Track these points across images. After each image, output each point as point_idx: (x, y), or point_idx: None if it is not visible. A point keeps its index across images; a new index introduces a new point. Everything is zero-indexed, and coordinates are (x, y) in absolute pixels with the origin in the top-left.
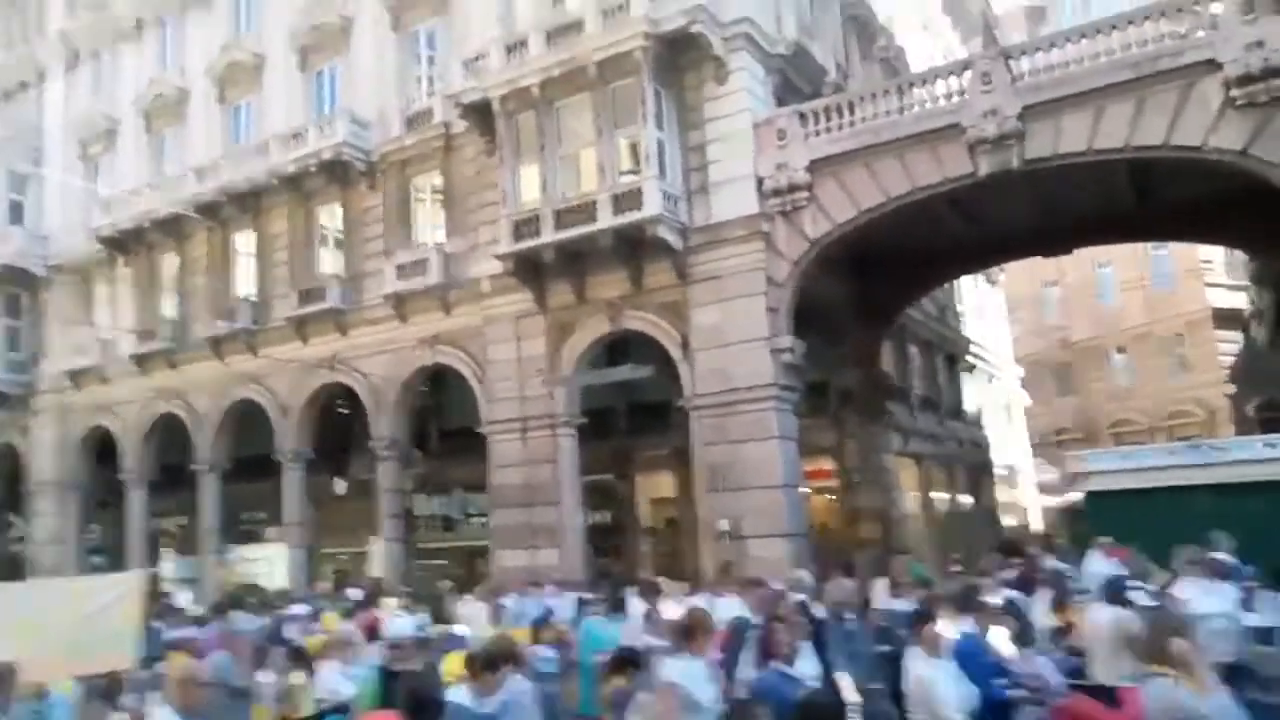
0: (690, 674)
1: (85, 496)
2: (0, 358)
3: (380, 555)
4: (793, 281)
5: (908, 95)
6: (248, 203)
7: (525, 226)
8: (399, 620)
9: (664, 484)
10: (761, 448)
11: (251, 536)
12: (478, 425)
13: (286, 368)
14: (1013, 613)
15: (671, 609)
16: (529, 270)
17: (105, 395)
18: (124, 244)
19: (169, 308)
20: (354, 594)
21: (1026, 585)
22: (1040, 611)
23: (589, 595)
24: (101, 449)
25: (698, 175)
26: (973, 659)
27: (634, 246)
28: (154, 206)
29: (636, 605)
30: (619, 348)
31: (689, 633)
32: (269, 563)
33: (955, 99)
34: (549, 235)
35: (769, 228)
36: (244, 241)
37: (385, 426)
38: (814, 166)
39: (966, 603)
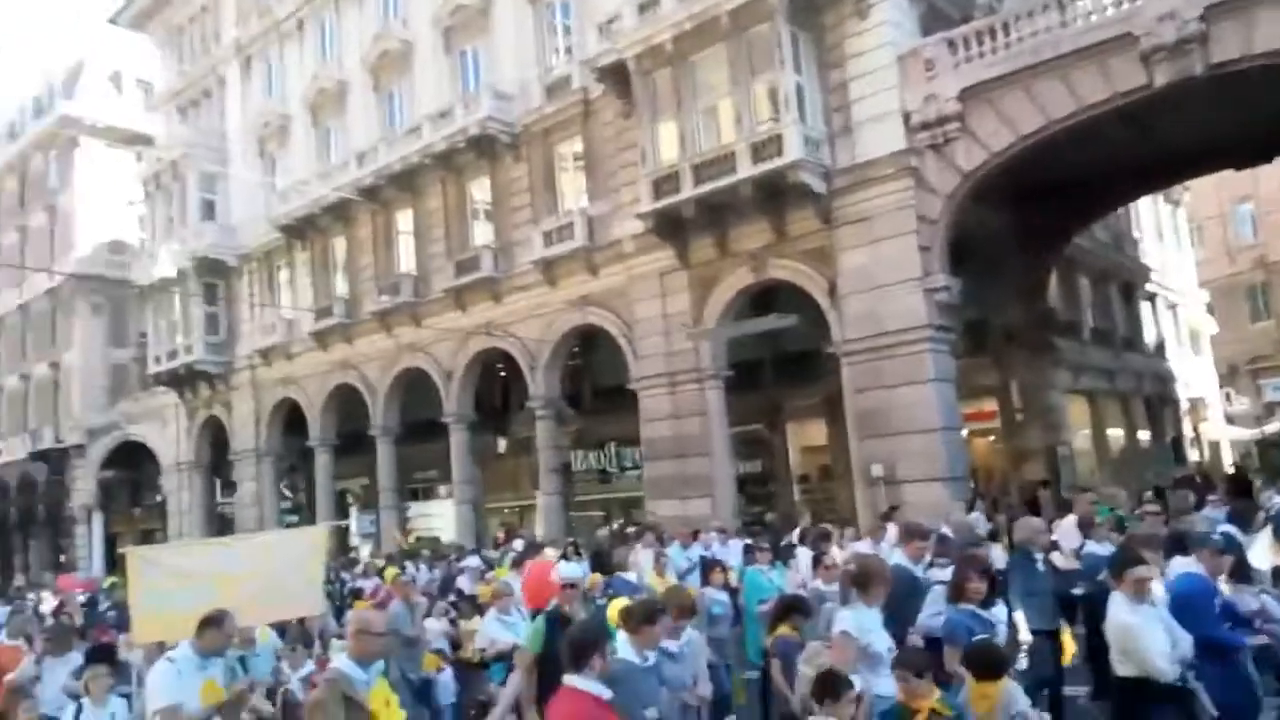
0: (865, 623)
1: (278, 462)
2: (202, 341)
3: (542, 509)
4: (946, 217)
5: (1070, 8)
6: (405, 183)
7: (665, 184)
8: (568, 565)
9: (815, 432)
10: (916, 391)
11: (424, 494)
12: (628, 382)
13: (447, 336)
14: (1231, 550)
15: (837, 555)
16: (670, 227)
17: (290, 370)
18: (299, 230)
19: (341, 286)
20: (517, 545)
21: (1241, 521)
22: (1262, 549)
23: (752, 543)
24: (290, 418)
25: (840, 116)
26: (1198, 602)
27: (775, 194)
28: (322, 194)
29: (803, 553)
30: (764, 298)
31: (863, 581)
32: (442, 518)
33: (1125, 6)
34: (688, 190)
35: (918, 163)
36: (404, 220)
37: (540, 386)
38: (965, 95)
39: (1179, 543)
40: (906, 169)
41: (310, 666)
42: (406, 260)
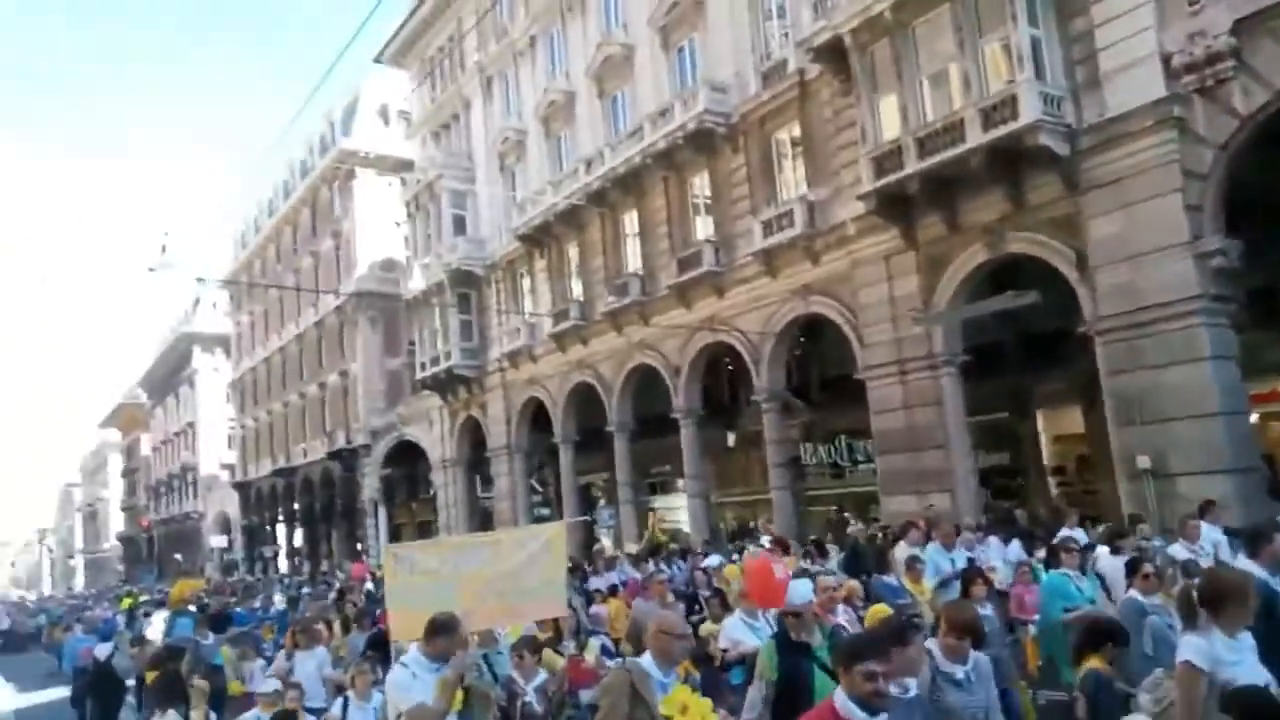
0: (1221, 653)
1: (528, 458)
2: (458, 347)
3: (774, 503)
4: (1219, 170)
5: None
6: (629, 184)
7: (887, 161)
8: (799, 585)
9: (1070, 419)
10: (1189, 371)
11: (661, 488)
12: (855, 371)
13: (673, 333)
14: None
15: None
16: (894, 206)
17: (535, 371)
18: (536, 239)
19: (576, 289)
20: (765, 541)
21: None
22: None
23: (1056, 542)
24: (537, 417)
25: (1084, 68)
26: None
27: (1011, 161)
28: (554, 202)
29: (1107, 557)
30: (1001, 276)
31: (1215, 599)
32: (682, 511)
33: None
34: (912, 165)
35: (1183, 111)
36: (629, 220)
37: (764, 379)
38: (1241, 28)
39: None
40: (1169, 119)
41: (543, 676)
42: (634, 260)
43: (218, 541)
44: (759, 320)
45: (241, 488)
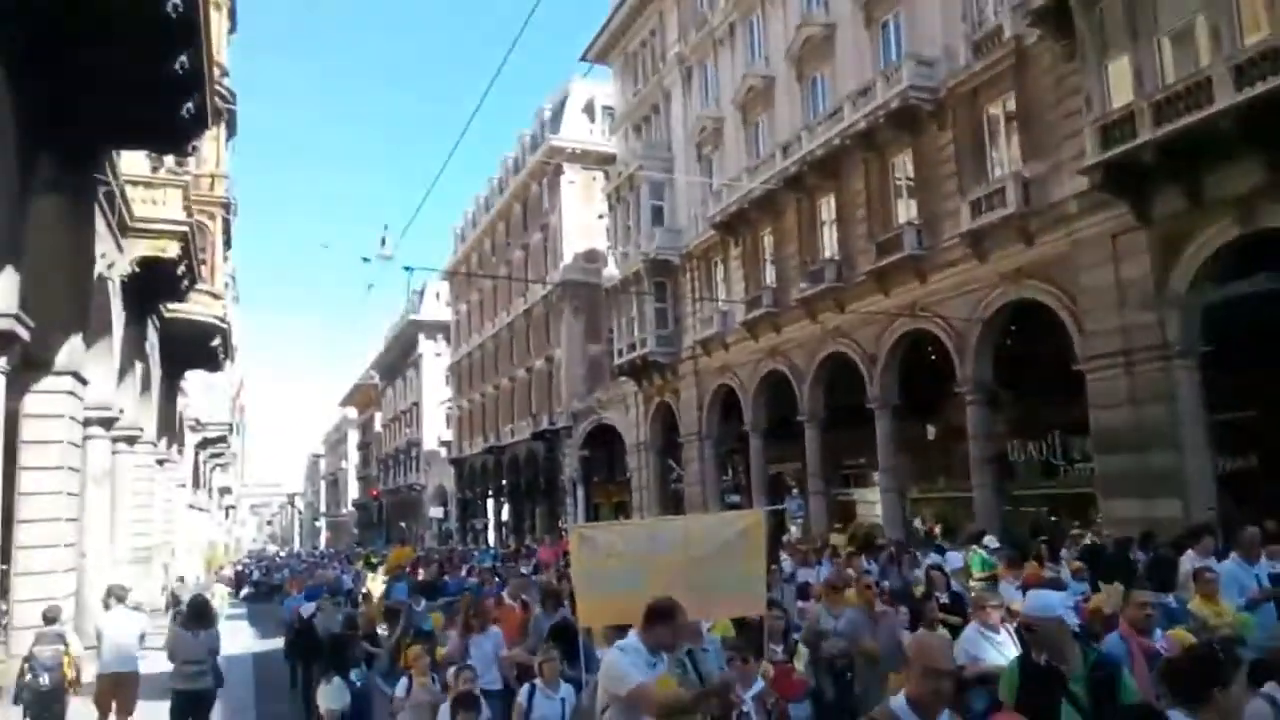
0: None
1: (717, 445)
2: (653, 335)
3: (976, 502)
4: None
5: None
6: (827, 168)
7: (1116, 130)
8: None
9: None
10: None
11: (855, 480)
12: (1073, 362)
13: (870, 320)
14: None
15: None
16: (1124, 180)
17: (726, 359)
18: (731, 226)
19: (769, 276)
20: (990, 542)
21: None
22: None
23: None
24: (727, 404)
25: None
26: None
27: (1271, 122)
28: (750, 188)
29: None
30: (1250, 255)
31: None
32: (876, 505)
33: None
34: (1147, 133)
35: None
36: (826, 205)
37: (969, 370)
38: None
39: None
40: None
41: (760, 685)
42: (830, 246)
43: (435, 512)
44: (964, 306)
45: (457, 463)
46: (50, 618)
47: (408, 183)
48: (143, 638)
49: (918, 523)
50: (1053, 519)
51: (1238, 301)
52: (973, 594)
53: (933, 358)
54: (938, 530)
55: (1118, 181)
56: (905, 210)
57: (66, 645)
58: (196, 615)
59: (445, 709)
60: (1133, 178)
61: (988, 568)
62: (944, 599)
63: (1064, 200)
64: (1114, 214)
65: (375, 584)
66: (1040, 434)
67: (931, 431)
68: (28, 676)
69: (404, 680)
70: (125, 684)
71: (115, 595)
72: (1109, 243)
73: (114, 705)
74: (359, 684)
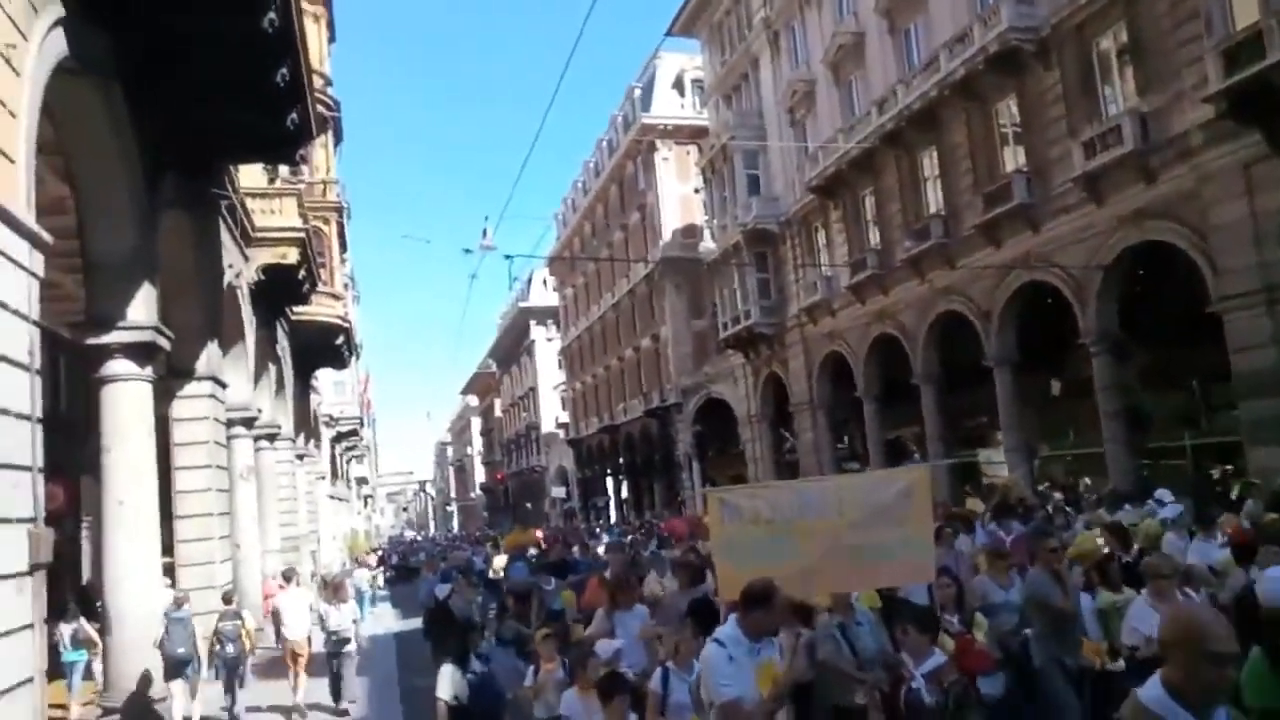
0: None
1: (830, 413)
2: (757, 305)
3: (1108, 457)
4: None
5: None
6: (926, 121)
7: (1242, 51)
8: None
9: None
10: None
11: (977, 440)
12: (1208, 304)
13: (982, 275)
14: None
15: None
16: (1253, 105)
17: (834, 325)
18: (829, 189)
19: (872, 237)
20: (1164, 496)
21: None
22: None
23: None
24: (837, 371)
25: None
26: None
27: None
28: (846, 148)
29: None
30: None
31: None
32: (1001, 467)
33: None
34: (1278, 53)
35: None
36: (928, 160)
37: (1092, 320)
38: None
39: None
40: None
41: (938, 658)
42: (934, 202)
43: (558, 492)
44: (1083, 254)
45: (574, 444)
46: (228, 600)
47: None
48: (309, 609)
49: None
50: (1209, 472)
51: None
52: (1145, 561)
53: (1053, 309)
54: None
55: (1246, 108)
56: (1012, 158)
57: (243, 620)
58: (338, 591)
59: (571, 694)
60: (1263, 102)
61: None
62: (1127, 560)
63: (1186, 133)
64: (1244, 143)
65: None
66: (1175, 383)
67: (1056, 387)
68: (216, 647)
69: (530, 668)
70: (301, 649)
71: (285, 577)
72: (1241, 174)
73: (297, 663)
74: (479, 672)
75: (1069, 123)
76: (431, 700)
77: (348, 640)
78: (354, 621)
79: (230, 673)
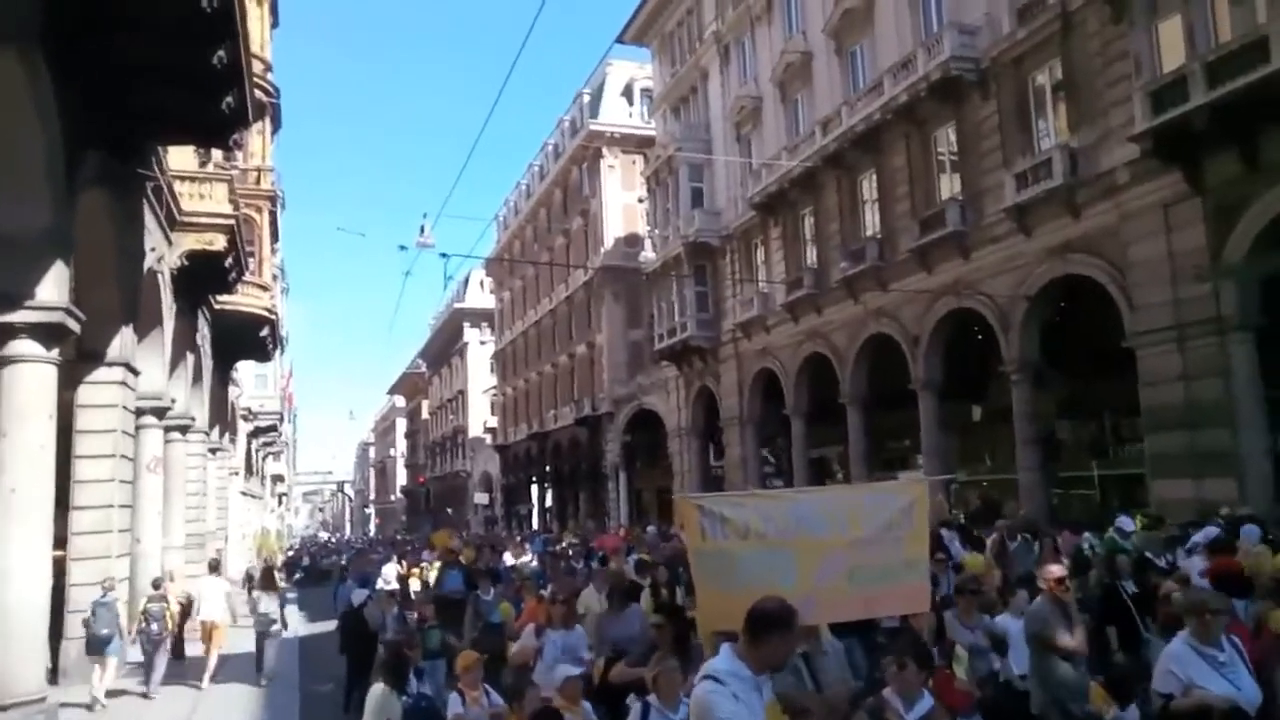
0: None
1: (759, 429)
2: (694, 318)
3: (1021, 485)
4: None
5: None
6: (867, 144)
7: (1168, 94)
8: None
9: None
10: None
11: (899, 463)
12: (1124, 339)
13: (912, 299)
14: None
15: None
16: (1176, 146)
17: (767, 341)
18: (772, 206)
19: (810, 257)
20: (1125, 524)
21: None
22: None
23: None
24: (768, 388)
25: None
26: None
27: None
28: (790, 167)
29: None
30: None
31: None
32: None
33: None
34: (1200, 96)
35: None
36: (867, 182)
37: (1015, 348)
38: None
39: None
40: None
41: (927, 700)
42: (871, 224)
43: (481, 498)
44: (1010, 283)
45: (502, 450)
46: (156, 585)
47: (449, 172)
48: (227, 596)
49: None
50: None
51: None
52: (1185, 594)
53: (978, 337)
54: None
55: (1169, 148)
56: (949, 186)
57: (168, 603)
58: (266, 581)
59: None
60: (1185, 143)
61: (1119, 552)
62: (1131, 589)
63: (1113, 170)
64: (1165, 183)
65: (431, 573)
66: (1089, 414)
67: (977, 413)
68: (142, 625)
69: (454, 696)
70: (217, 628)
71: (210, 566)
72: (1160, 213)
73: (212, 637)
74: (417, 694)
75: (1004, 154)
76: (332, 707)
77: (274, 622)
78: (280, 607)
79: (154, 649)
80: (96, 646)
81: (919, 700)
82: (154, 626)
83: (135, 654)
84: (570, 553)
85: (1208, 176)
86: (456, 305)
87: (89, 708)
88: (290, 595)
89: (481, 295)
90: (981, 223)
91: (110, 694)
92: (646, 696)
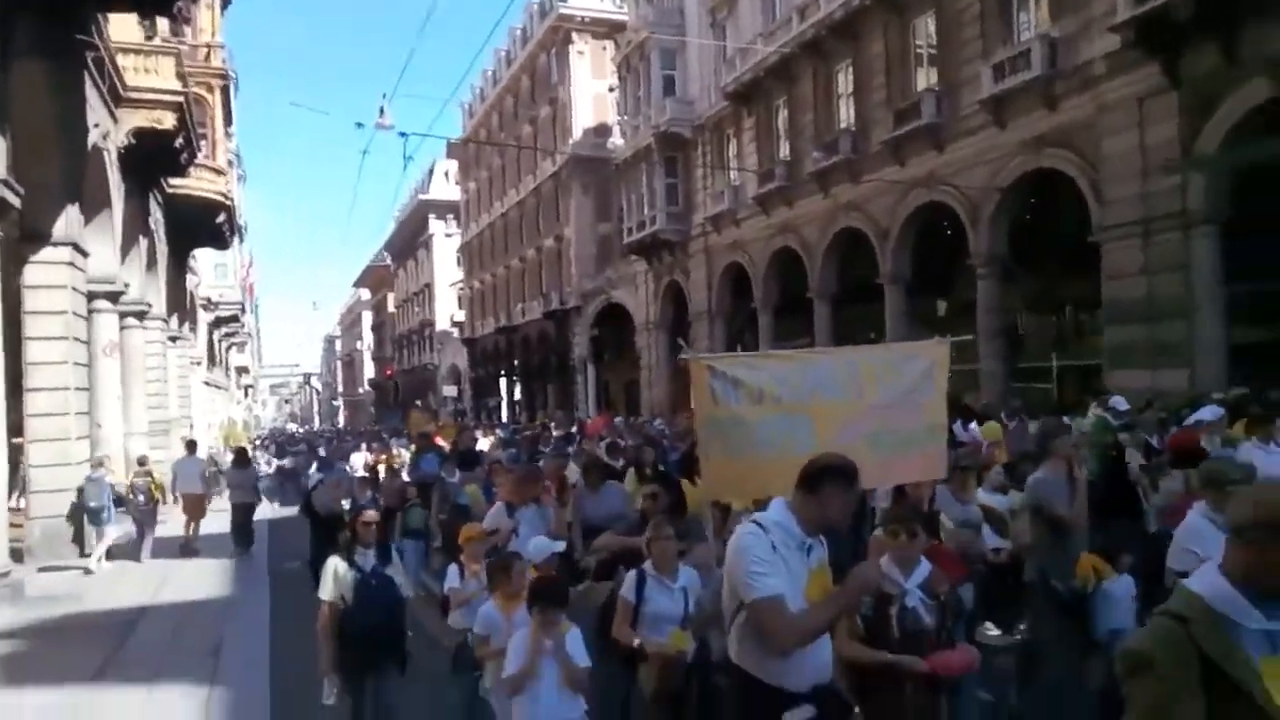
0: None
1: (727, 323)
2: (664, 211)
3: (983, 375)
4: None
5: None
6: (845, 31)
7: None
8: None
9: None
10: None
11: None
12: (1090, 234)
13: (884, 192)
14: None
15: None
16: (1157, 37)
17: (738, 235)
18: (746, 96)
19: (783, 149)
20: (1118, 403)
21: None
22: None
23: None
24: (737, 282)
25: None
26: None
27: None
28: (765, 54)
29: None
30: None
31: None
32: None
33: None
34: None
35: None
36: (843, 72)
37: (984, 242)
38: None
39: None
40: None
41: (925, 566)
42: (846, 116)
43: (449, 391)
44: (983, 177)
45: (469, 343)
46: (142, 462)
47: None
48: (203, 474)
49: None
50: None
51: (1266, 166)
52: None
53: (947, 232)
54: None
55: (1150, 39)
56: (925, 78)
57: (152, 477)
58: (240, 459)
59: (489, 607)
60: (1166, 34)
61: (1107, 434)
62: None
63: (1091, 61)
64: (1142, 75)
65: (402, 459)
66: (1053, 308)
67: (942, 307)
68: (130, 496)
69: (454, 568)
70: (199, 499)
71: (186, 446)
72: (1136, 105)
73: (193, 510)
74: (369, 570)
75: (983, 44)
76: (298, 582)
77: (249, 496)
78: (255, 483)
79: (143, 517)
80: (91, 516)
81: (920, 567)
82: (140, 498)
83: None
84: (547, 433)
85: (1186, 69)
86: (421, 197)
87: (86, 571)
88: (265, 470)
89: (447, 186)
90: (957, 115)
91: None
92: (642, 565)
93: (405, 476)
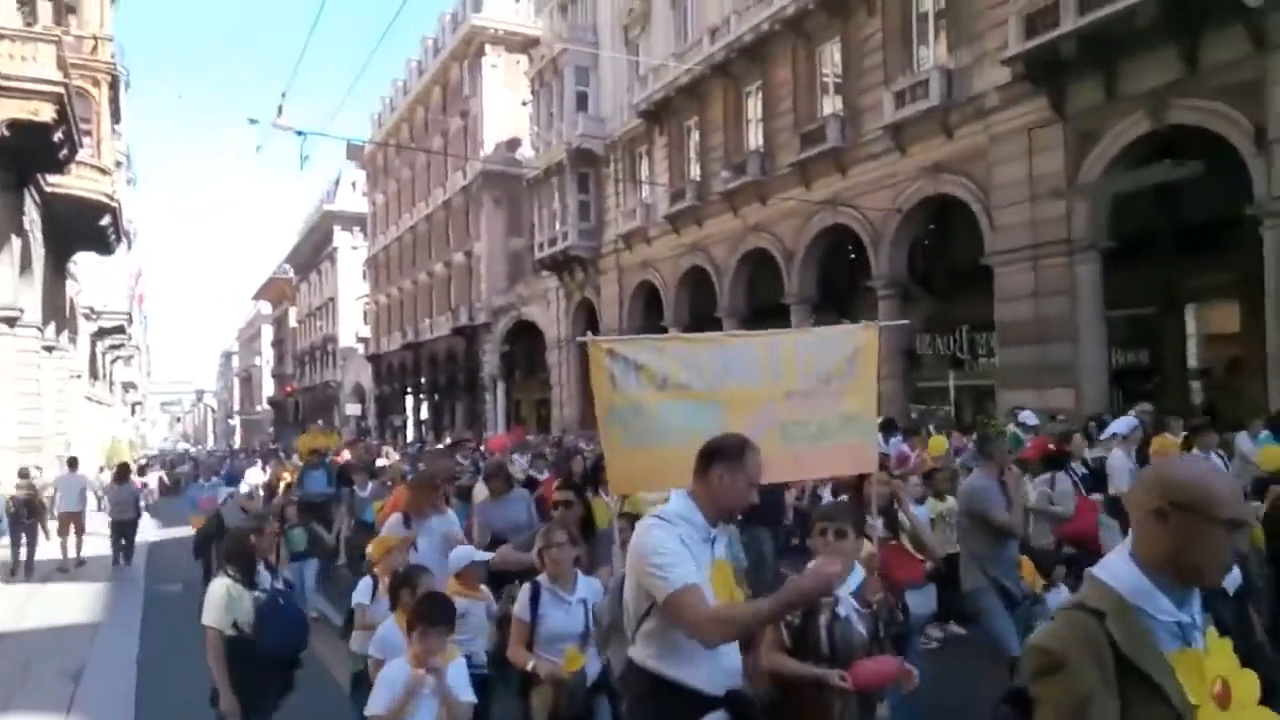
0: None
1: None
2: (575, 228)
3: (882, 395)
4: None
5: None
6: (755, 54)
7: (1040, 19)
8: None
9: (1224, 317)
10: None
11: None
12: (983, 257)
13: (791, 214)
14: None
15: None
16: (1044, 71)
17: (648, 253)
18: (657, 115)
19: (694, 170)
20: (1028, 418)
21: None
22: None
23: None
24: (648, 300)
25: None
26: None
27: (1188, 14)
28: (677, 73)
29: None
30: (1160, 155)
31: None
32: None
33: None
34: (1070, 23)
35: None
36: (752, 95)
37: (885, 264)
38: None
39: None
40: None
41: (859, 573)
42: (755, 138)
43: (353, 409)
44: (884, 201)
45: (375, 360)
46: (23, 474)
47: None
48: (83, 491)
49: None
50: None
51: (1143, 196)
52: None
53: (850, 255)
54: None
55: (1038, 73)
56: (831, 103)
57: (36, 491)
58: (120, 475)
59: (390, 625)
60: (1052, 69)
61: (1019, 446)
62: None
63: (985, 93)
64: (1032, 107)
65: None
66: (949, 329)
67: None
68: (12, 511)
69: (366, 581)
70: (77, 518)
71: (68, 463)
72: (1025, 136)
73: (71, 529)
74: (270, 590)
75: (885, 72)
76: (176, 604)
77: (128, 513)
78: (136, 499)
79: (19, 530)
80: (18, 526)
81: (854, 573)
82: (24, 511)
83: None
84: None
85: (1070, 103)
86: (327, 208)
87: None
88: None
89: (353, 197)
90: (860, 140)
91: None
92: (536, 577)
93: (292, 495)
